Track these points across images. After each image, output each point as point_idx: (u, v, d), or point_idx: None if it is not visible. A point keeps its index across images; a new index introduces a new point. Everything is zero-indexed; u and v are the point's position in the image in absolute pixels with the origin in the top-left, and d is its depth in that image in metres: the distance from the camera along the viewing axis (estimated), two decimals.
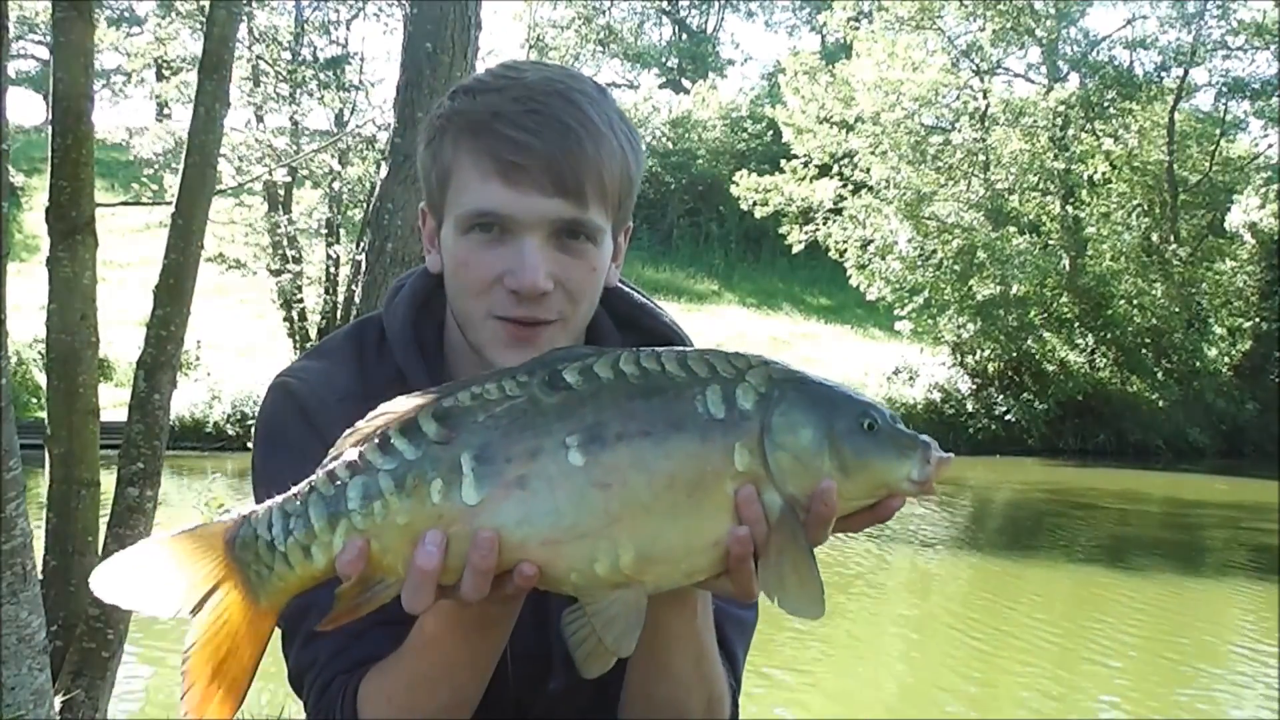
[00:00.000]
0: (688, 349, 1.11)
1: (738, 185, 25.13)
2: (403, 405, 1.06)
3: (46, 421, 4.17)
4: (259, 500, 1.10)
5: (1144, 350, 24.50)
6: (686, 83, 37.65)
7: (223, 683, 1.05)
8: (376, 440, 1.04)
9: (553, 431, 1.01)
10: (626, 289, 1.42)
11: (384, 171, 5.73)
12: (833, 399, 1.06)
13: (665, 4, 42.46)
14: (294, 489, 1.06)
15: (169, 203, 4.35)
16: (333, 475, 1.05)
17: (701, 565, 1.04)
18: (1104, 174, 24.59)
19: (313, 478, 1.06)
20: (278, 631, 1.19)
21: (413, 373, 1.32)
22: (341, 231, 20.66)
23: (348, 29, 22.73)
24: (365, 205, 17.98)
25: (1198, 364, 24.45)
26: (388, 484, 1.02)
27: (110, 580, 1.04)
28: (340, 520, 1.03)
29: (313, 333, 20.31)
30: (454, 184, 1.25)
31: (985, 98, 24.58)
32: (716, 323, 25.51)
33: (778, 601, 1.04)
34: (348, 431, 1.07)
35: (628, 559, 1.01)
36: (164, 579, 1.04)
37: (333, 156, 19.46)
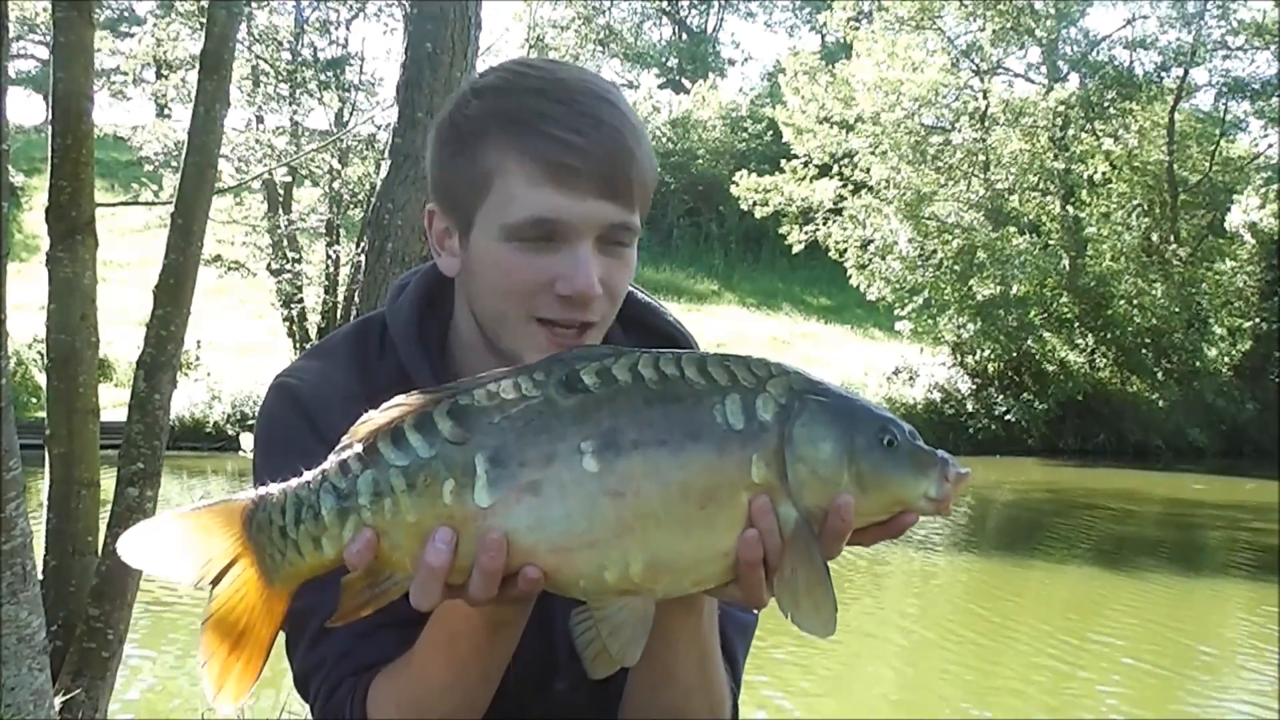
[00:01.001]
0: (707, 353, 1.09)
1: (738, 185, 25.15)
2: (417, 399, 1.05)
3: (46, 421, 4.17)
4: None
5: (1144, 350, 24.50)
6: (686, 83, 37.64)
7: (240, 656, 1.07)
8: (390, 434, 1.03)
9: (568, 436, 1.00)
10: (630, 287, 1.42)
11: (384, 171, 5.73)
12: (853, 413, 1.05)
13: (665, 4, 42.46)
14: (308, 475, 1.06)
15: (169, 202, 4.35)
16: (345, 466, 1.04)
17: (712, 574, 1.03)
18: (1104, 174, 24.61)
19: (325, 466, 1.05)
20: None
21: (417, 372, 1.31)
22: (341, 231, 20.66)
23: (348, 29, 22.75)
24: (365, 205, 17.99)
25: (1198, 364, 24.45)
26: (399, 481, 1.02)
27: (135, 546, 1.06)
28: (350, 514, 1.02)
29: (313, 333, 20.32)
30: (497, 188, 1.21)
31: (985, 98, 24.59)
32: (716, 323, 25.51)
33: (791, 618, 1.03)
34: (362, 419, 1.06)
35: (638, 568, 1.00)
36: (185, 549, 1.06)
37: (333, 156, 19.47)
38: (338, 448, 1.06)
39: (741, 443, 1.01)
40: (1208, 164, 25.16)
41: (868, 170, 23.53)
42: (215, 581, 1.07)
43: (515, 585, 1.02)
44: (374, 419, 1.05)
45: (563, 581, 1.01)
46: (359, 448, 1.04)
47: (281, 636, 1.15)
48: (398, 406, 1.05)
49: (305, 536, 1.04)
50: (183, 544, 1.06)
